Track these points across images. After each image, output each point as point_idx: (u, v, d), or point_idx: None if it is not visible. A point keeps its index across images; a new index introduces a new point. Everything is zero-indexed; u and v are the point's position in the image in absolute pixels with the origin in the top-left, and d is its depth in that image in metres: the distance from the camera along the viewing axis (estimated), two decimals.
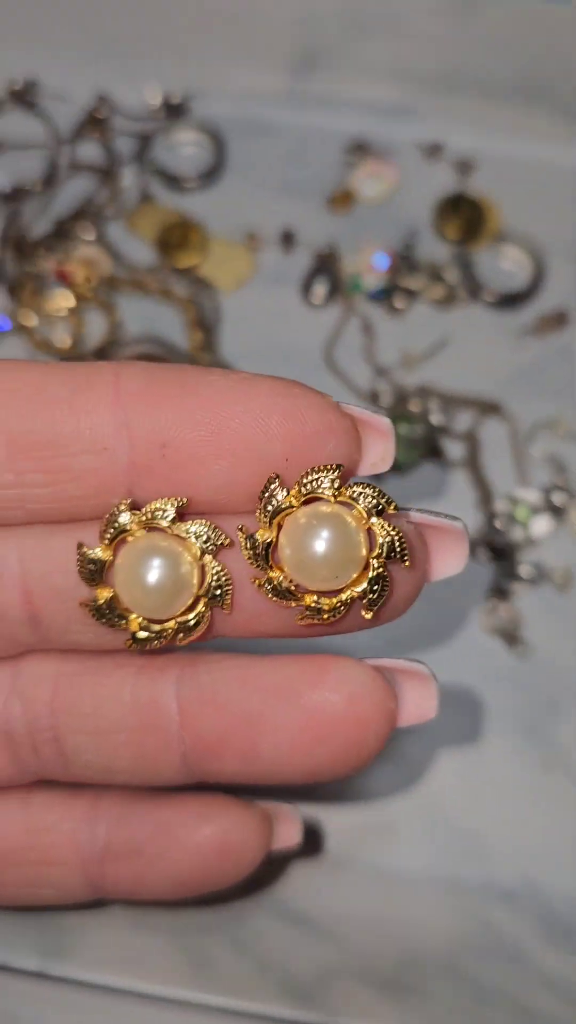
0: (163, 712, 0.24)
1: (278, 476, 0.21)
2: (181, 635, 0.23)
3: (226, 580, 0.22)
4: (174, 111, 0.42)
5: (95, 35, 0.42)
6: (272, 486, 0.21)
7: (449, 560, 0.24)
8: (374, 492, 0.22)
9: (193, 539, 0.22)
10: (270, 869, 0.32)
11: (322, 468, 0.21)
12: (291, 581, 0.22)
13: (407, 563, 0.22)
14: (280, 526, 0.22)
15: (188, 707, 0.24)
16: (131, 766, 0.24)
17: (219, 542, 0.22)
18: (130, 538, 0.22)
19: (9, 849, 0.26)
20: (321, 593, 0.22)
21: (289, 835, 0.27)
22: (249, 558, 0.22)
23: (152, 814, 0.26)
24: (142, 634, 0.23)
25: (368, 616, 0.22)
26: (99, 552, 0.22)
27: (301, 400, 0.22)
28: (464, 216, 0.39)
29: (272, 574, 0.22)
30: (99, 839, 0.26)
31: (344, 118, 0.41)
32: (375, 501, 0.22)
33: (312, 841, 0.33)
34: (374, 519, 0.22)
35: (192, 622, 0.22)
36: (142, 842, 0.26)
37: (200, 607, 0.22)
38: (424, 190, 0.40)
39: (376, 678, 0.23)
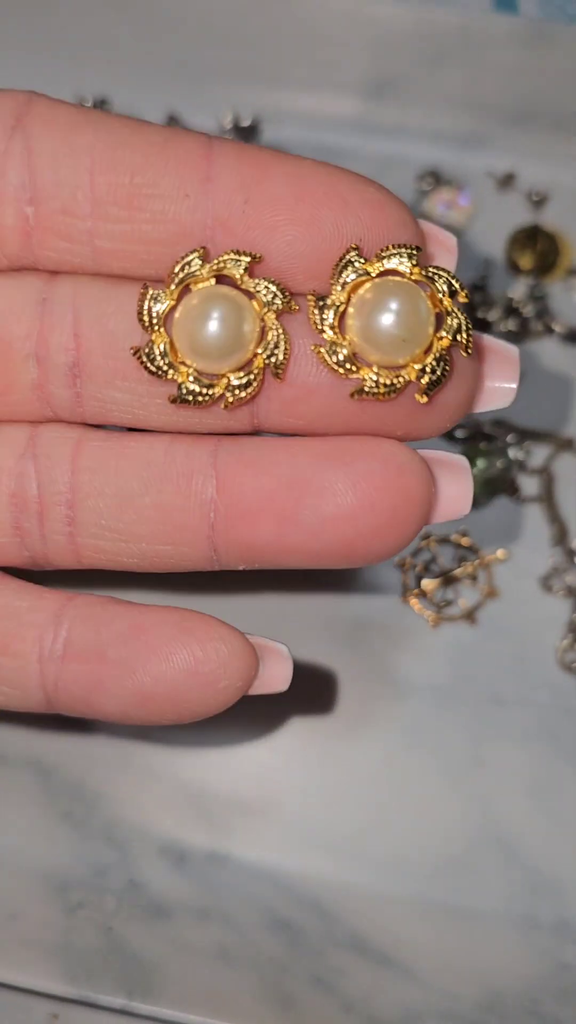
0: (198, 472, 0.23)
1: (357, 247, 0.21)
2: (230, 395, 0.22)
3: (286, 342, 0.22)
4: (244, 134, 0.42)
5: (166, 55, 0.42)
6: (350, 254, 0.21)
7: (499, 386, 0.24)
8: (450, 275, 0.22)
9: (263, 291, 0.22)
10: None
11: (401, 246, 0.22)
12: (353, 352, 0.22)
13: (469, 352, 0.22)
14: (350, 297, 0.22)
15: (227, 469, 0.23)
16: (152, 533, 0.23)
17: (286, 302, 0.22)
18: (197, 286, 0.22)
19: None
20: (381, 368, 0.22)
21: (277, 678, 0.25)
22: (316, 322, 0.22)
23: (125, 617, 0.24)
24: (190, 385, 0.22)
25: (422, 400, 0.22)
26: (162, 296, 0.22)
27: (384, 194, 0.22)
28: (540, 249, 0.39)
29: (336, 338, 0.22)
30: (61, 638, 0.24)
31: (416, 146, 0.41)
32: (450, 283, 0.22)
33: (325, 698, 0.32)
34: (446, 300, 0.22)
35: (244, 380, 0.22)
36: (106, 645, 0.23)
37: (256, 366, 0.22)
38: (497, 221, 0.40)
39: (422, 460, 0.23)
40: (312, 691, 0.34)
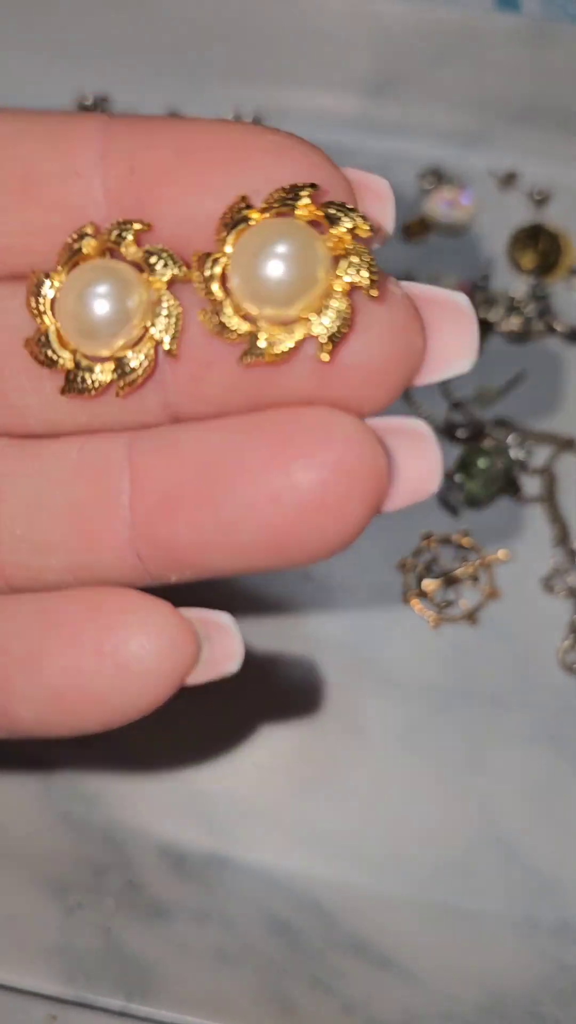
0: (111, 464, 0.20)
1: (245, 197, 0.18)
2: (121, 380, 0.20)
3: (177, 314, 0.19)
4: None
5: (167, 53, 0.42)
6: (238, 204, 0.19)
7: (453, 343, 0.20)
8: (354, 214, 0.18)
9: (152, 260, 0.19)
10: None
11: (293, 186, 0.18)
12: (242, 312, 0.19)
13: (373, 292, 0.18)
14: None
15: (140, 458, 0.20)
16: (69, 540, 0.21)
17: (176, 268, 0.19)
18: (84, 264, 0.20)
19: None
20: (272, 325, 0.19)
21: (224, 657, 0.21)
22: (199, 282, 0.19)
23: (32, 603, 0.21)
24: (77, 372, 0.20)
25: (324, 358, 0.18)
26: (51, 278, 0.20)
27: (288, 139, 0.19)
28: (541, 248, 0.39)
29: (221, 297, 0.19)
30: None
31: (418, 144, 0.41)
32: (351, 222, 0.18)
33: (324, 699, 0.32)
34: (345, 238, 0.18)
35: (134, 362, 0.20)
36: (11, 637, 0.20)
37: (146, 345, 0.20)
38: (498, 220, 0.40)
39: (366, 427, 0.19)
40: (312, 692, 0.34)
